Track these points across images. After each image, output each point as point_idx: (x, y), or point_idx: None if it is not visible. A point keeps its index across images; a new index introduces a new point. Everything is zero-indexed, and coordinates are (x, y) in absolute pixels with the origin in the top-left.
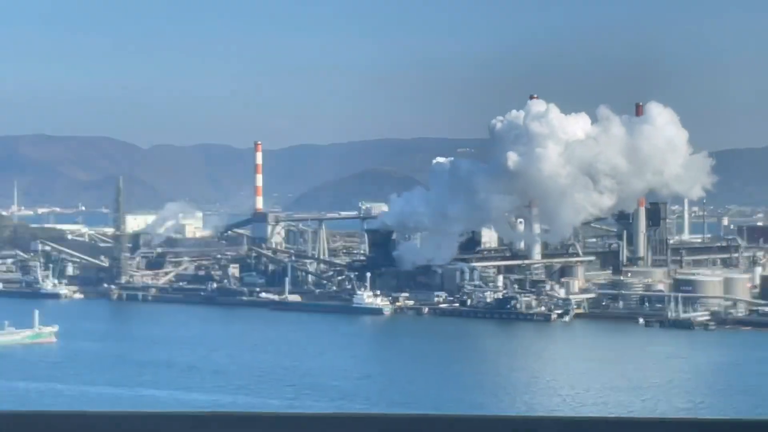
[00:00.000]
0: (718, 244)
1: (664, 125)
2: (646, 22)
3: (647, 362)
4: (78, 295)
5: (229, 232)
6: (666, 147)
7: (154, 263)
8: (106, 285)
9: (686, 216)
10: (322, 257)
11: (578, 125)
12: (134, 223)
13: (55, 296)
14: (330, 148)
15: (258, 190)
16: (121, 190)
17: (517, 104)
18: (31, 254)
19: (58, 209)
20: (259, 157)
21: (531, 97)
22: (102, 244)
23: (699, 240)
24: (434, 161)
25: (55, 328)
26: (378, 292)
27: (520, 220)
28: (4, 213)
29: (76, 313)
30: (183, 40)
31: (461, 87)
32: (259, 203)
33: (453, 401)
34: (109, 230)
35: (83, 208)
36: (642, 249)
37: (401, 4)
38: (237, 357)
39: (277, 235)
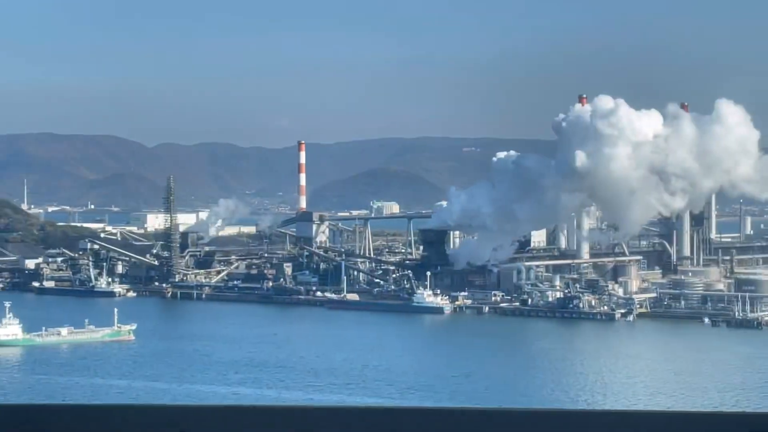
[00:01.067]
0: (758, 244)
1: (735, 125)
2: (706, 17)
3: (737, 362)
4: (131, 294)
5: (274, 231)
6: (737, 148)
7: (203, 262)
8: (156, 283)
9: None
10: (372, 256)
11: (649, 123)
12: (155, 221)
13: (110, 294)
14: (334, 147)
15: (301, 189)
16: (172, 189)
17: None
18: (80, 253)
19: (68, 208)
20: (302, 157)
21: (580, 98)
22: (136, 243)
23: (730, 239)
24: (496, 157)
25: (133, 326)
26: (438, 291)
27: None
28: (27, 209)
29: (136, 312)
30: (185, 39)
31: (464, 87)
32: (303, 202)
33: (569, 401)
34: (131, 228)
35: (92, 206)
36: (687, 249)
37: (405, 3)
38: (324, 356)
39: (321, 234)
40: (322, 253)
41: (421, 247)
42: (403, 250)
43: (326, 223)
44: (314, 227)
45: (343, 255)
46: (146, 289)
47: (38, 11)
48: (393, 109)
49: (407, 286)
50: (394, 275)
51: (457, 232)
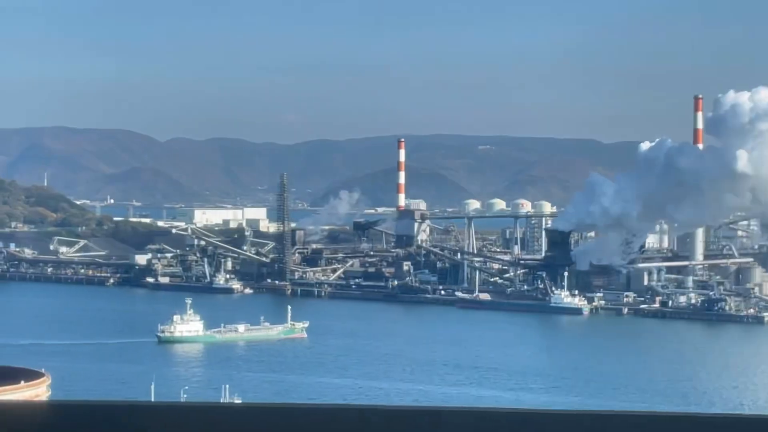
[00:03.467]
0: None
1: None
2: None
3: None
4: (248, 290)
5: (368, 229)
6: None
7: (310, 259)
8: (269, 280)
9: None
10: (490, 255)
11: None
12: (203, 217)
13: (228, 291)
14: (346, 143)
15: (400, 187)
16: (285, 187)
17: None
18: (187, 249)
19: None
20: (402, 155)
21: (696, 99)
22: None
23: None
24: (642, 147)
25: (305, 324)
26: (576, 292)
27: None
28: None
29: (269, 309)
30: (197, 35)
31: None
32: (401, 201)
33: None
34: (178, 223)
35: (112, 201)
36: None
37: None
38: (513, 357)
39: (422, 233)
40: (439, 251)
41: (544, 247)
42: (499, 249)
43: (427, 221)
44: (416, 225)
45: (461, 254)
46: (262, 286)
47: (53, 8)
48: (405, 107)
49: (541, 286)
50: (517, 275)
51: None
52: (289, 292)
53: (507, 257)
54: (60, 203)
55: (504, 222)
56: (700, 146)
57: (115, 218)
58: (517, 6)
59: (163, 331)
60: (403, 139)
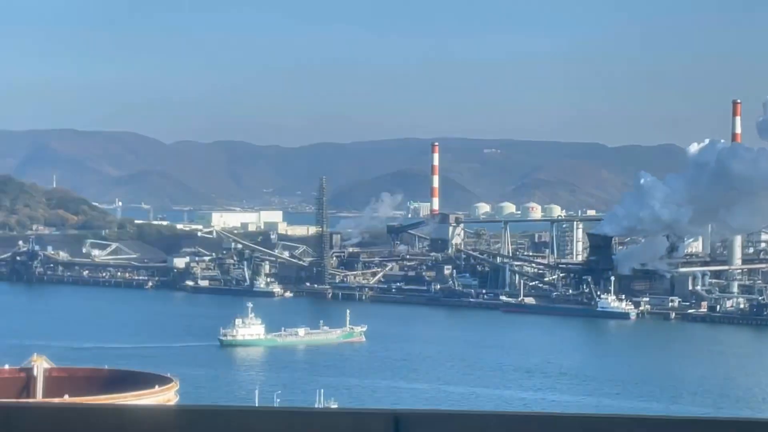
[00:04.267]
0: None
1: None
2: None
3: None
4: (287, 294)
5: (401, 233)
6: None
7: (347, 263)
8: (308, 284)
9: None
10: (532, 259)
11: None
12: (220, 220)
13: (269, 295)
14: (351, 146)
15: (434, 191)
16: (324, 190)
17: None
18: (224, 252)
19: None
20: (435, 159)
21: (734, 103)
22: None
23: None
24: (692, 148)
25: (364, 328)
26: (623, 297)
27: None
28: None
29: (312, 312)
30: (200, 37)
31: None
32: (435, 204)
33: None
34: (196, 226)
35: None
36: None
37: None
38: (578, 362)
39: (456, 236)
40: (479, 255)
41: (576, 251)
42: (530, 253)
43: (462, 225)
44: (450, 229)
45: (497, 257)
46: (301, 290)
47: (58, 10)
48: (409, 109)
49: (586, 290)
50: (558, 279)
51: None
52: (330, 295)
53: (543, 261)
54: (80, 206)
55: (520, 227)
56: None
57: (136, 221)
58: (522, 8)
59: (225, 335)
60: (436, 143)
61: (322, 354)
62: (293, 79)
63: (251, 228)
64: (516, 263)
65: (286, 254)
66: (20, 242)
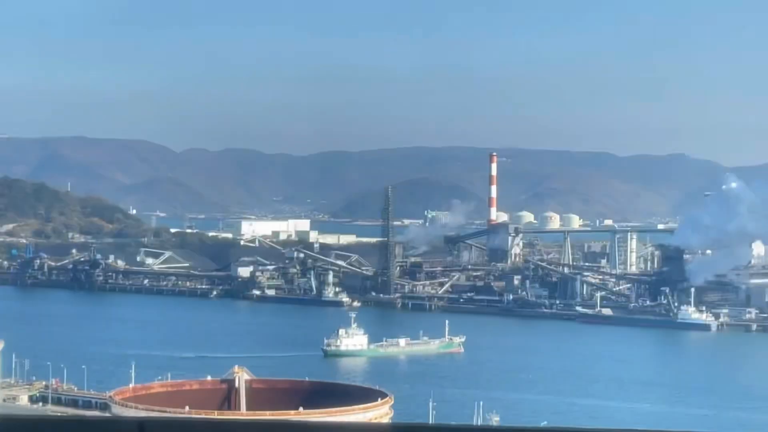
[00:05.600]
0: None
1: None
2: None
3: None
4: (356, 303)
5: (460, 242)
6: None
7: (410, 272)
8: (374, 293)
9: None
10: (603, 269)
11: None
12: (250, 228)
13: (338, 304)
14: (360, 154)
15: (492, 201)
16: (390, 200)
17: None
18: (286, 261)
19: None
20: (494, 168)
21: None
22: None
23: None
24: None
25: (462, 339)
26: (703, 308)
27: None
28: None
29: (383, 320)
30: (209, 45)
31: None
32: (493, 214)
33: None
34: (226, 234)
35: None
36: None
37: (433, 7)
38: (685, 374)
39: (516, 247)
40: (548, 266)
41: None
42: (584, 263)
43: (521, 235)
44: (509, 239)
45: (564, 268)
46: (368, 299)
47: (69, 19)
48: (416, 118)
49: (664, 302)
50: (630, 289)
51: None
52: (400, 305)
53: (611, 271)
54: (114, 214)
55: (575, 237)
56: None
57: (172, 229)
58: (529, 16)
59: (329, 345)
60: (495, 153)
61: (428, 364)
62: (301, 87)
63: (282, 236)
64: (587, 274)
65: (342, 263)
66: (74, 250)
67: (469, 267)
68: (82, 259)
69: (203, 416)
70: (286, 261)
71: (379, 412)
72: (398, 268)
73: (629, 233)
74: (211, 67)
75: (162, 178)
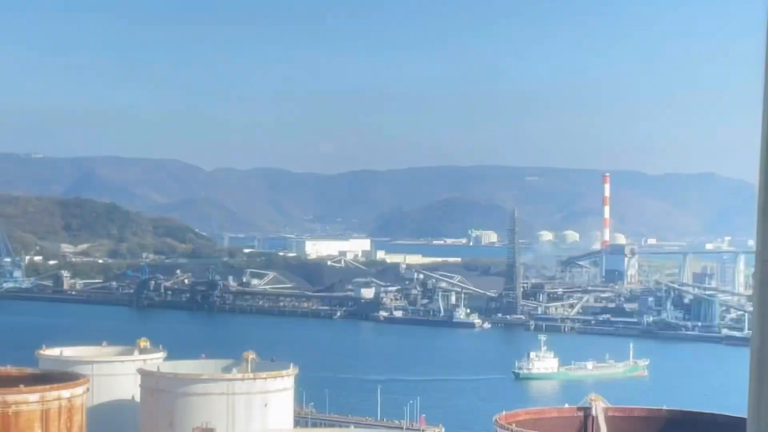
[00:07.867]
0: None
1: None
2: None
3: None
4: (486, 325)
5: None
6: None
7: (530, 293)
8: (500, 314)
9: None
10: (740, 292)
11: None
12: (314, 248)
13: (469, 326)
14: (388, 174)
15: (606, 222)
16: (516, 220)
17: None
18: (406, 283)
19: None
20: (606, 189)
21: None
22: (362, 269)
23: None
24: None
25: (646, 362)
26: None
27: None
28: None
29: (521, 342)
30: (239, 67)
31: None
32: (607, 235)
33: None
34: (293, 254)
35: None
36: None
37: (462, 26)
38: None
39: (632, 268)
40: (683, 288)
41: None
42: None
43: (637, 256)
44: (626, 260)
45: (697, 288)
46: (497, 321)
47: (97, 38)
48: (444, 137)
49: None
50: None
51: None
52: (533, 327)
53: (737, 292)
54: (186, 234)
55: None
56: None
57: (246, 249)
58: (555, 34)
59: (521, 368)
60: (608, 174)
61: (620, 388)
62: (328, 105)
63: (349, 256)
64: (722, 295)
65: (457, 282)
66: (178, 271)
67: (590, 288)
68: (201, 281)
69: None
70: (407, 282)
71: None
72: (521, 289)
73: (737, 254)
74: (238, 85)
75: (196, 197)
